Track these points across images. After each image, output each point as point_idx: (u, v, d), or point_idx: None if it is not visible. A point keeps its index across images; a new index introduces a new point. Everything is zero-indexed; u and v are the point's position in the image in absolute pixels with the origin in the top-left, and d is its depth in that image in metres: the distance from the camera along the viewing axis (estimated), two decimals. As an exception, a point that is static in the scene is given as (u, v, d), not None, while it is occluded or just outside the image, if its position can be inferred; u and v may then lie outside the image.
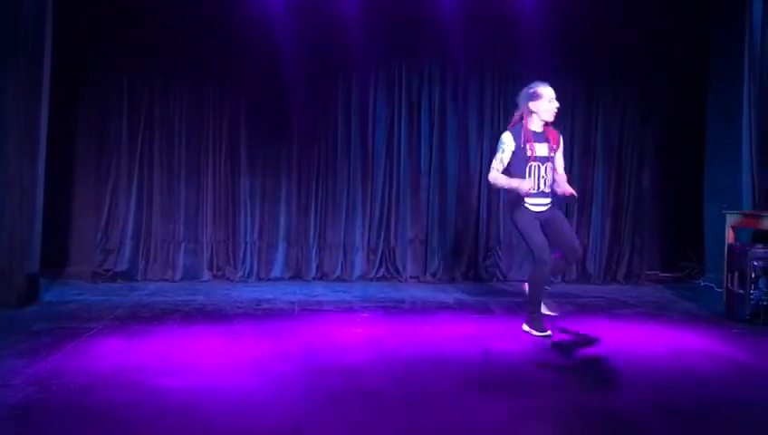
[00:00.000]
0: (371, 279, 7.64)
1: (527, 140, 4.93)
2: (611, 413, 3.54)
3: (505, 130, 5.12)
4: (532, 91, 5.02)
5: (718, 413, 3.56)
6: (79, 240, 7.49)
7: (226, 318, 5.61)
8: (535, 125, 5.02)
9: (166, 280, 7.37)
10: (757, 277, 5.57)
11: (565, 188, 5.04)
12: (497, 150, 5.04)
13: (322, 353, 4.55)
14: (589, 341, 5.06)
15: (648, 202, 8.00)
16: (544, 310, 5.12)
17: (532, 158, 4.94)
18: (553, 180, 5.05)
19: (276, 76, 7.49)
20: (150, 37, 7.35)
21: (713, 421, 3.46)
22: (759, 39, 6.59)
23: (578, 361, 4.51)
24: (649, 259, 8.11)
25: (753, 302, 5.60)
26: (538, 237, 4.94)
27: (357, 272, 7.68)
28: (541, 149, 4.97)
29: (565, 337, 5.14)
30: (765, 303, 5.56)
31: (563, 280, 7.84)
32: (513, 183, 4.91)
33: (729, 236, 6.27)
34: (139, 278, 7.33)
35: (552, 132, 5.08)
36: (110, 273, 7.24)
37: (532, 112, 5.01)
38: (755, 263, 5.58)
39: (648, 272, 8.04)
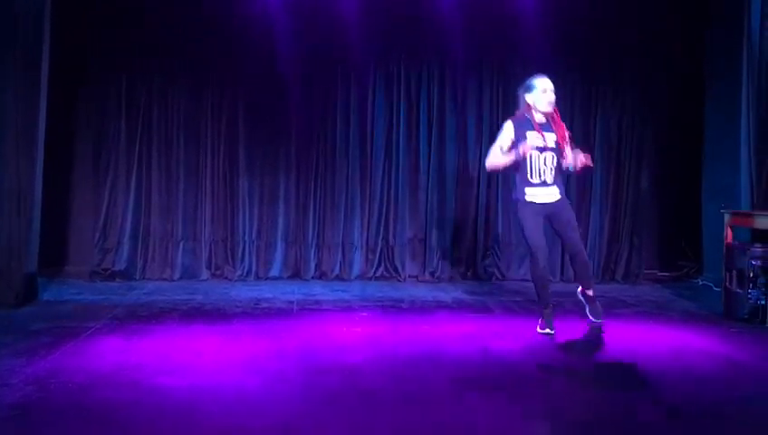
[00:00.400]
0: (370, 278, 7.65)
1: (536, 130, 4.93)
2: (610, 412, 3.54)
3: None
4: (527, 83, 5.07)
5: (716, 412, 3.56)
6: (77, 239, 7.49)
7: (225, 317, 5.61)
8: (538, 116, 5.02)
9: (164, 279, 7.37)
10: (755, 277, 5.58)
11: (580, 157, 4.93)
12: (497, 137, 5.08)
13: (321, 352, 4.55)
14: (588, 340, 5.06)
15: (647, 201, 8.01)
16: (590, 316, 5.13)
17: (534, 147, 4.92)
18: (558, 176, 5.01)
19: (275, 76, 7.50)
20: (149, 37, 7.35)
21: (711, 421, 3.46)
22: (758, 39, 6.59)
23: (577, 360, 4.50)
24: (648, 258, 8.12)
25: (751, 301, 5.60)
26: (534, 235, 4.93)
27: (355, 271, 7.68)
28: (548, 139, 4.96)
29: (565, 337, 5.14)
30: (763, 302, 5.56)
31: (561, 279, 7.86)
32: (511, 154, 4.92)
33: (728, 235, 6.27)
34: (137, 277, 7.33)
35: (559, 125, 5.04)
36: (109, 272, 7.24)
37: (529, 104, 5.01)
38: (754, 262, 5.58)
39: (646, 271, 8.06)
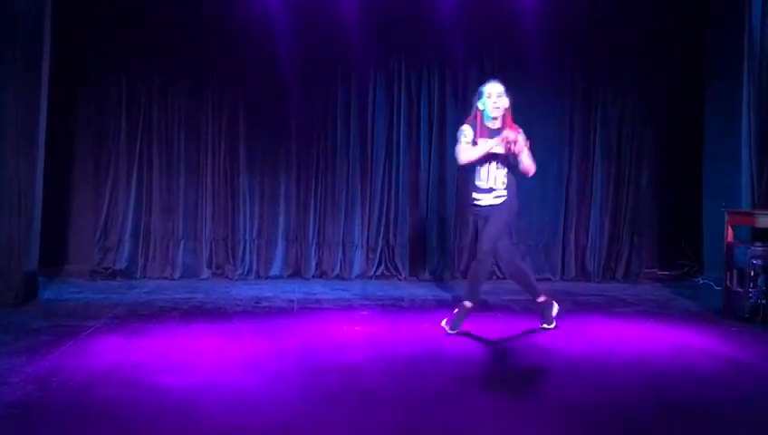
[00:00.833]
0: (370, 277, 7.64)
1: (481, 136, 4.98)
2: (611, 412, 3.54)
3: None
4: (479, 90, 5.10)
5: (717, 412, 3.56)
6: (78, 238, 7.49)
7: (226, 316, 5.61)
8: (489, 122, 5.04)
9: (165, 278, 7.37)
10: (756, 276, 5.58)
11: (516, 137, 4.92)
12: (459, 139, 5.09)
13: (321, 351, 4.55)
14: (588, 339, 5.06)
15: (647, 201, 8.00)
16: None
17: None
18: (510, 181, 5.02)
19: (275, 75, 7.50)
20: (149, 37, 7.35)
21: (711, 420, 3.46)
22: (758, 38, 6.58)
23: (577, 359, 4.50)
24: (648, 258, 8.11)
25: (751, 300, 5.60)
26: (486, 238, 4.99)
27: (356, 270, 7.69)
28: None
29: (565, 336, 5.14)
30: (764, 301, 5.56)
31: (562, 278, 7.86)
32: (484, 147, 4.94)
33: (728, 234, 6.27)
34: (138, 276, 7.33)
35: (512, 130, 4.98)
36: (109, 271, 7.25)
37: (480, 110, 5.05)
38: (754, 261, 5.58)
39: (646, 270, 8.05)
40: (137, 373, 3.92)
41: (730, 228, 6.27)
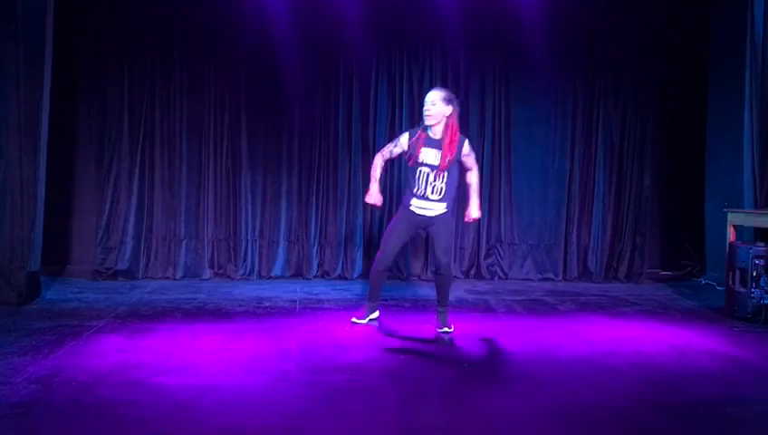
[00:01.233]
0: (372, 277, 7.64)
1: (418, 144, 4.96)
2: (612, 412, 3.54)
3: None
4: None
5: (719, 412, 3.56)
6: (80, 238, 7.49)
7: (228, 316, 5.61)
8: (432, 132, 4.99)
9: (167, 278, 7.38)
10: (758, 276, 5.58)
11: (470, 212, 5.13)
12: (391, 141, 5.19)
13: (323, 351, 4.55)
14: (590, 339, 5.05)
15: (650, 201, 7.99)
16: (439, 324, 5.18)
17: (420, 163, 4.96)
18: (448, 192, 4.99)
19: (277, 73, 7.49)
20: (151, 35, 7.35)
21: (714, 420, 3.46)
22: (761, 37, 6.57)
23: (578, 359, 4.50)
24: (650, 258, 8.11)
25: (754, 300, 5.60)
26: (394, 240, 5.09)
27: (358, 270, 7.68)
28: (429, 156, 4.95)
29: (567, 336, 5.14)
30: (766, 301, 5.55)
31: (564, 278, 7.85)
32: (372, 183, 5.10)
33: (730, 234, 6.26)
34: (140, 276, 7.33)
35: (450, 142, 4.93)
36: (112, 271, 7.25)
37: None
38: (757, 261, 5.58)
39: (648, 270, 8.05)
40: (139, 373, 3.92)
41: (732, 228, 6.27)
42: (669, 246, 8.27)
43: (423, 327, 5.31)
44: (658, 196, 8.15)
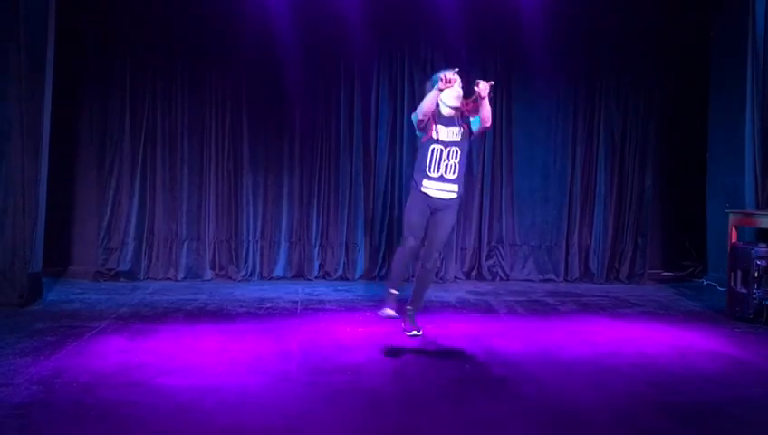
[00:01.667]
0: (374, 278, 7.63)
1: (433, 122, 4.79)
2: (614, 412, 3.54)
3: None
4: (432, 78, 4.90)
5: (721, 412, 3.55)
6: (82, 239, 7.49)
7: (229, 317, 5.61)
8: (446, 110, 4.85)
9: (168, 279, 7.38)
10: (760, 276, 5.57)
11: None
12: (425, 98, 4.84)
13: (325, 352, 4.55)
14: (592, 340, 5.05)
15: (651, 201, 7.98)
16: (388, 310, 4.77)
17: (435, 140, 4.78)
18: (460, 172, 4.84)
19: (279, 74, 7.49)
20: (152, 36, 7.36)
21: (715, 421, 3.45)
22: (762, 38, 6.57)
23: (580, 360, 4.50)
24: (652, 258, 8.10)
25: (755, 301, 5.59)
26: (414, 217, 4.82)
27: (359, 271, 7.68)
28: (446, 134, 4.81)
29: (569, 336, 5.13)
30: (768, 302, 5.55)
31: (566, 279, 7.85)
32: (433, 92, 4.72)
33: (732, 235, 6.26)
34: (141, 277, 7.34)
35: (464, 111, 4.83)
36: (113, 272, 7.25)
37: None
38: (758, 262, 5.57)
39: (650, 271, 8.04)
40: (140, 374, 3.93)
41: (734, 229, 6.26)
42: (671, 247, 8.26)
43: (425, 328, 5.30)
44: (660, 196, 8.14)
